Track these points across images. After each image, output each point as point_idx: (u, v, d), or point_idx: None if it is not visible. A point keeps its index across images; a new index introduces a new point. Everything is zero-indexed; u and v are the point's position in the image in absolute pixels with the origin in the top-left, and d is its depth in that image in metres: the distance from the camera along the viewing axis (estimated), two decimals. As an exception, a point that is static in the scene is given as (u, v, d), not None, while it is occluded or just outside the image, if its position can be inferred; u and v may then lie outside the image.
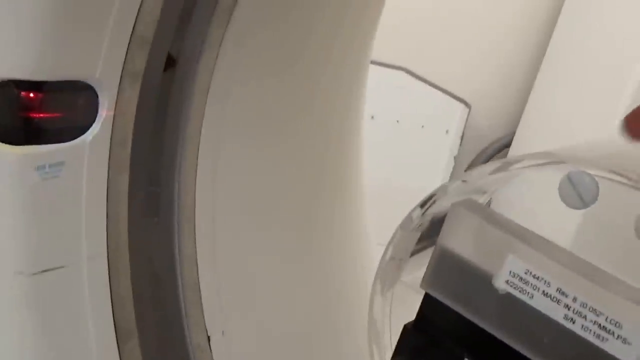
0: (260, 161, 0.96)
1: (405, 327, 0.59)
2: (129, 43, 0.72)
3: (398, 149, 2.58)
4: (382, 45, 2.23)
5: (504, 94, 2.58)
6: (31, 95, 0.69)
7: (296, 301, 1.06)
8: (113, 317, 0.80)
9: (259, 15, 0.86)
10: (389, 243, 0.62)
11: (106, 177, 0.76)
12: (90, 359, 0.78)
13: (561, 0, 2.30)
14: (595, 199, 0.53)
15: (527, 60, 2.52)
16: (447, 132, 2.57)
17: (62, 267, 0.74)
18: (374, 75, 2.54)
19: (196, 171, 0.86)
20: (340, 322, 1.16)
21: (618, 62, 2.00)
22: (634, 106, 0.56)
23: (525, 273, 0.53)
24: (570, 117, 2.17)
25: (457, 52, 2.56)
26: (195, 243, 0.87)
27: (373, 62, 2.52)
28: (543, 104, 2.31)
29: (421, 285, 0.57)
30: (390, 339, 0.65)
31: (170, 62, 0.83)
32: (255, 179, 0.96)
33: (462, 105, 2.58)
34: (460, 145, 2.58)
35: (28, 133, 0.70)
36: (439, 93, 2.57)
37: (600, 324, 0.50)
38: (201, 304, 0.89)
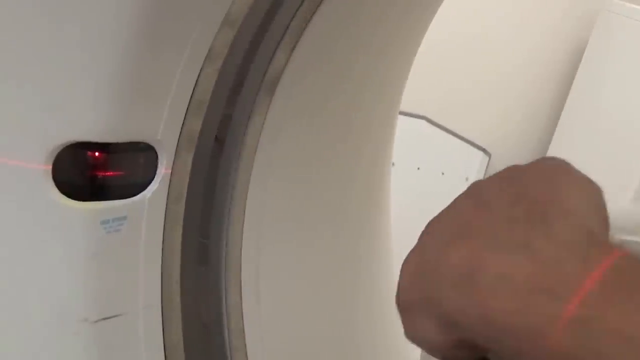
0: (300, 222, 1.01)
1: None
2: (188, 107, 0.78)
3: (419, 195, 2.63)
4: (403, 95, 2.29)
5: (524, 143, 2.63)
6: (97, 155, 0.74)
7: (337, 347, 1.10)
8: (165, 363, 0.84)
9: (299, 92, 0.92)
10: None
11: (162, 231, 0.81)
12: (143, 403, 0.82)
13: (581, 51, 2.36)
14: None
15: (547, 110, 2.57)
16: (467, 179, 2.62)
17: (120, 315, 0.79)
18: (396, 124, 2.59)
19: (242, 226, 0.91)
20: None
21: (635, 115, 2.04)
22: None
23: None
24: (590, 167, 2.20)
25: (477, 102, 2.62)
26: (240, 293, 0.92)
27: (395, 111, 2.58)
28: (562, 154, 2.36)
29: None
30: None
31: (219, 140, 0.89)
32: (295, 235, 1.01)
33: (481, 154, 2.63)
34: (480, 192, 2.63)
35: (94, 190, 0.75)
36: (459, 141, 2.62)
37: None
38: (245, 350, 0.93)
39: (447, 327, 0.37)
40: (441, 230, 0.40)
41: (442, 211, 0.42)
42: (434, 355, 0.39)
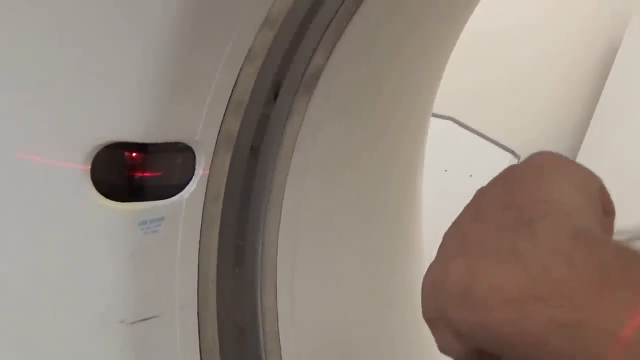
0: (335, 223, 1.00)
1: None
2: (227, 107, 0.77)
3: (446, 197, 2.60)
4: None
5: (554, 145, 2.60)
6: (135, 155, 0.74)
7: (372, 348, 1.09)
8: (201, 366, 0.84)
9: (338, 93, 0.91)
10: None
11: (199, 232, 0.81)
12: (179, 406, 0.82)
13: (614, 51, 2.33)
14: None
15: (579, 112, 2.54)
16: (495, 181, 2.59)
17: (157, 316, 0.78)
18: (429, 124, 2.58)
19: (279, 227, 0.90)
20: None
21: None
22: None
23: None
24: (622, 168, 2.19)
25: (505, 103, 2.59)
26: (276, 294, 0.91)
27: (422, 112, 2.56)
28: (593, 158, 2.33)
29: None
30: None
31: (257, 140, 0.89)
32: (331, 236, 1.00)
33: (510, 155, 2.60)
34: (508, 194, 2.60)
35: (132, 190, 0.75)
36: (487, 143, 2.60)
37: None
38: (280, 353, 0.92)
39: (459, 338, 0.37)
40: (448, 244, 0.41)
41: (452, 223, 0.43)
42: None
